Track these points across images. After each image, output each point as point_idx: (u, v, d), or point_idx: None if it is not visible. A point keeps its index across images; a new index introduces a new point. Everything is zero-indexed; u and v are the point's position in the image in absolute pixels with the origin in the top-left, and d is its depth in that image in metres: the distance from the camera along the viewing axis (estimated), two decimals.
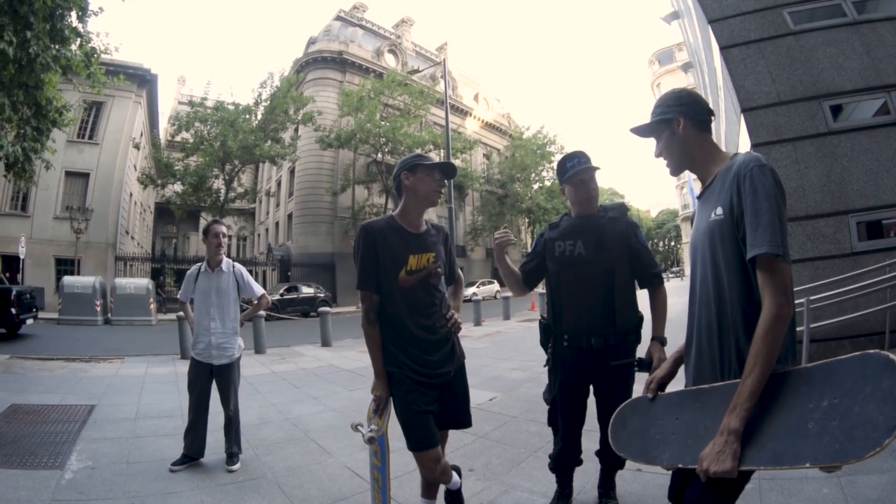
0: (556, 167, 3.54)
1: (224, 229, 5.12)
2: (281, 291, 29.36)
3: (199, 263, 5.21)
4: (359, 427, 2.95)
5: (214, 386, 4.98)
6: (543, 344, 3.52)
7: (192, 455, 4.78)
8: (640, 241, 3.36)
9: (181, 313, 10.06)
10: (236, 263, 5.25)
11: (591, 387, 3.38)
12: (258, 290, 5.32)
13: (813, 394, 1.56)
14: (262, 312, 14.40)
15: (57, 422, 6.10)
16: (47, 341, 14.71)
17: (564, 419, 3.42)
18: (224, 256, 5.13)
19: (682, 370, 2.17)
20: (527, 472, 4.39)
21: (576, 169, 3.29)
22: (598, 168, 3.34)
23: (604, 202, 3.50)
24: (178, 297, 5.52)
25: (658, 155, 2.14)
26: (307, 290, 30.20)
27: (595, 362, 3.23)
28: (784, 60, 8.27)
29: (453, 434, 3.71)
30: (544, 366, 3.54)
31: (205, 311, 4.98)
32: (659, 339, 3.09)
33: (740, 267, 1.78)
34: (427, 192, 2.99)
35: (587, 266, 3.24)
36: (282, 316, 22.95)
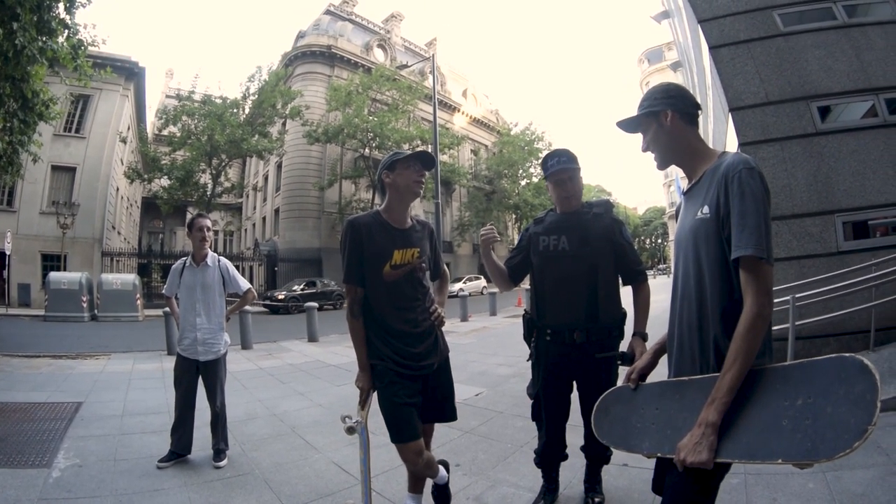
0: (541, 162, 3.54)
1: (209, 223, 5.02)
2: (302, 286, 30.41)
3: (185, 258, 5.13)
4: (346, 419, 2.97)
5: (201, 382, 4.95)
6: (527, 338, 3.53)
7: (179, 452, 4.75)
8: (625, 237, 3.37)
9: (167, 309, 10.03)
10: (221, 258, 5.18)
11: (575, 382, 3.40)
12: (244, 284, 5.24)
13: (788, 392, 1.61)
14: (316, 303, 14.30)
15: (44, 420, 6.07)
16: (34, 338, 14.59)
17: (548, 414, 3.44)
18: (209, 251, 5.06)
19: (663, 362, 2.20)
20: (513, 466, 4.42)
21: (554, 168, 3.31)
22: (578, 168, 3.35)
23: (590, 199, 3.51)
24: (163, 291, 5.47)
25: (645, 149, 2.15)
26: (324, 285, 31.24)
27: (578, 357, 3.25)
28: (773, 61, 8.30)
29: (440, 429, 3.72)
30: (527, 360, 3.56)
31: (190, 307, 4.91)
32: (641, 334, 3.08)
33: (723, 266, 1.81)
34: (408, 184, 3.02)
35: (571, 261, 3.24)
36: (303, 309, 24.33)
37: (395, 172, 3.01)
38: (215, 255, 5.14)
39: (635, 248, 3.47)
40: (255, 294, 5.45)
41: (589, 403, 3.21)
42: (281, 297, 28.96)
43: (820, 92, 8.03)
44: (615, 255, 3.29)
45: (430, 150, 5.17)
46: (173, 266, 5.16)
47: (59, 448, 5.06)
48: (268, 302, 29.40)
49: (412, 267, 3.02)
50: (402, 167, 3.01)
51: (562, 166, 3.29)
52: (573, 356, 3.26)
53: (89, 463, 4.68)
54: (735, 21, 8.69)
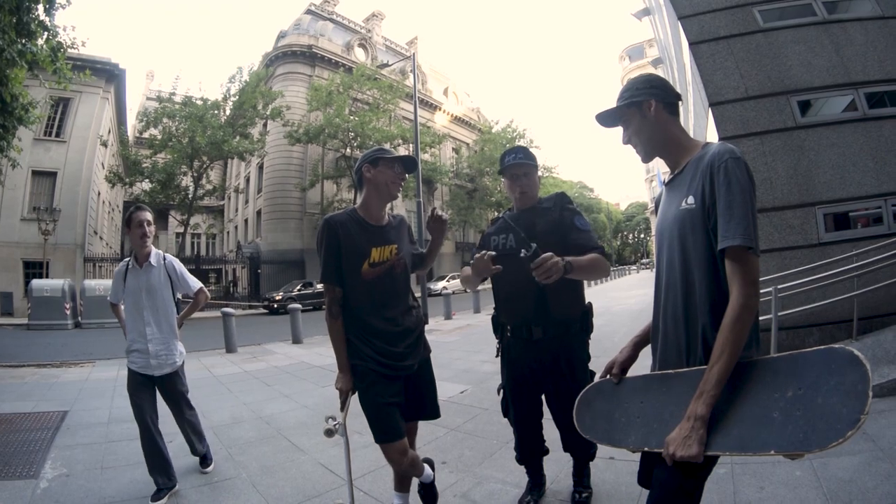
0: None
1: (149, 216, 4.26)
2: (298, 287, 31.43)
3: (127, 258, 4.42)
4: (329, 419, 2.95)
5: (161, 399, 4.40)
6: (495, 335, 3.57)
7: (167, 487, 4.10)
8: (577, 224, 3.27)
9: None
10: (167, 255, 4.50)
11: (543, 392, 3.42)
12: (194, 283, 4.60)
13: (778, 384, 1.61)
14: (299, 305, 13.80)
15: (30, 430, 6.00)
16: (17, 348, 14.40)
17: (516, 410, 3.47)
18: (152, 248, 4.35)
19: (645, 355, 2.20)
20: (500, 463, 4.42)
21: (509, 162, 3.32)
22: (534, 165, 3.36)
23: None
24: (108, 299, 4.75)
25: (626, 142, 2.13)
26: (320, 286, 31.38)
27: (538, 353, 3.26)
28: (753, 57, 8.39)
29: (425, 427, 3.72)
30: (496, 357, 3.58)
31: (137, 315, 4.24)
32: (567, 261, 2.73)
33: (709, 256, 1.80)
34: (387, 184, 3.02)
35: (517, 258, 3.20)
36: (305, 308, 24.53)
37: (376, 169, 3.00)
38: (160, 252, 4.46)
39: (593, 233, 3.34)
40: (208, 294, 4.86)
41: (553, 401, 3.30)
42: (279, 297, 29.43)
43: (800, 87, 8.13)
44: (564, 244, 3.11)
45: (411, 149, 5.12)
46: (116, 269, 4.50)
47: (46, 458, 5.00)
48: (266, 303, 30.06)
49: (391, 264, 3.01)
50: (385, 166, 3.00)
51: (517, 161, 3.31)
52: (532, 352, 3.27)
53: (76, 472, 4.64)
54: (715, 17, 8.76)
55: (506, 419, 3.65)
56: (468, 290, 3.67)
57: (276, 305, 28.89)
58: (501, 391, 3.57)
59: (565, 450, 3.52)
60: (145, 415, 4.15)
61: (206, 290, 4.79)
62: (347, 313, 2.97)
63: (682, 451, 1.64)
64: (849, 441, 1.38)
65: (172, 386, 4.36)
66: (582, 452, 3.47)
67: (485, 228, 3.62)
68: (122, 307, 4.44)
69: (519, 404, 3.44)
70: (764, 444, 1.55)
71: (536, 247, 2.60)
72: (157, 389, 4.34)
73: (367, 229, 2.99)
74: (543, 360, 3.25)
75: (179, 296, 4.62)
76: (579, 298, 3.37)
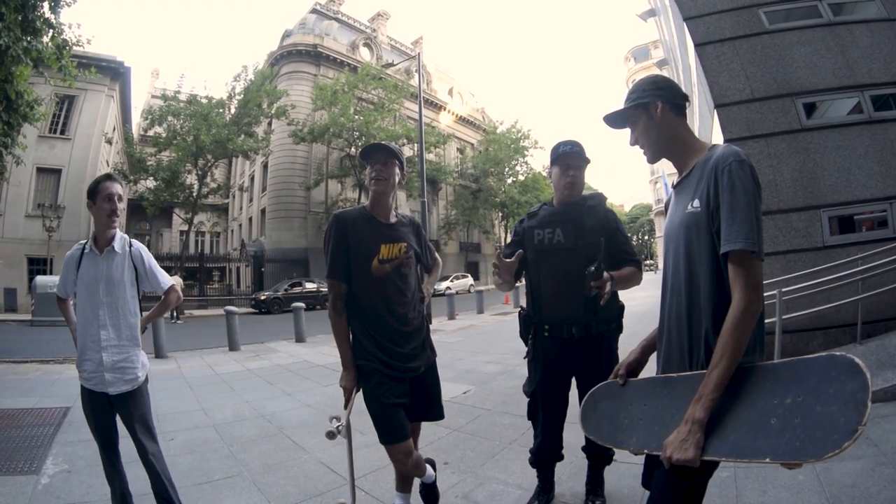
0: (550, 151, 3.50)
1: (120, 189, 3.30)
2: (286, 287, 31.56)
3: (84, 241, 3.42)
4: (333, 419, 2.90)
5: None
6: (523, 335, 3.49)
7: None
8: (621, 229, 3.33)
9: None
10: (135, 241, 3.51)
11: (574, 379, 3.36)
12: (165, 280, 3.59)
13: (778, 390, 1.59)
14: (303, 304, 13.82)
15: (32, 426, 6.01)
16: (21, 344, 14.48)
17: (545, 411, 3.40)
18: (118, 231, 3.39)
19: (653, 358, 2.19)
20: (502, 464, 4.42)
21: (565, 150, 3.28)
22: (586, 160, 3.34)
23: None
24: (55, 291, 3.71)
25: (634, 143, 2.12)
26: (311, 286, 32.06)
27: (577, 352, 3.22)
28: (758, 58, 8.36)
29: (428, 427, 3.70)
30: (524, 357, 3.51)
31: (91, 314, 3.27)
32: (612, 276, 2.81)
33: (713, 260, 1.78)
34: (368, 183, 3.05)
35: (566, 254, 3.18)
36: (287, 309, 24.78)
37: (364, 170, 3.04)
38: (125, 236, 3.46)
39: (631, 241, 3.42)
40: (181, 294, 3.93)
41: None
42: (264, 297, 30.13)
43: (805, 89, 8.09)
44: (609, 247, 3.13)
45: (416, 148, 5.07)
46: (69, 253, 3.43)
47: (48, 454, 5.00)
48: (253, 303, 30.54)
49: (400, 262, 3.01)
50: (366, 164, 3.03)
51: (574, 150, 3.27)
52: (572, 351, 3.23)
53: (78, 468, 4.64)
54: (720, 19, 8.73)
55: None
56: (504, 290, 3.62)
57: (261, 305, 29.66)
58: (530, 394, 3.49)
59: (585, 450, 3.49)
60: (101, 433, 3.43)
61: (178, 288, 3.79)
62: (356, 311, 2.97)
63: (678, 455, 1.64)
64: (845, 452, 1.36)
65: (133, 406, 3.37)
66: (601, 454, 3.44)
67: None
68: (72, 304, 3.52)
69: (550, 406, 3.39)
70: (759, 452, 1.54)
71: (601, 263, 2.63)
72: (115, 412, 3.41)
73: (376, 226, 3.01)
74: (590, 358, 3.22)
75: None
76: (617, 298, 3.35)
